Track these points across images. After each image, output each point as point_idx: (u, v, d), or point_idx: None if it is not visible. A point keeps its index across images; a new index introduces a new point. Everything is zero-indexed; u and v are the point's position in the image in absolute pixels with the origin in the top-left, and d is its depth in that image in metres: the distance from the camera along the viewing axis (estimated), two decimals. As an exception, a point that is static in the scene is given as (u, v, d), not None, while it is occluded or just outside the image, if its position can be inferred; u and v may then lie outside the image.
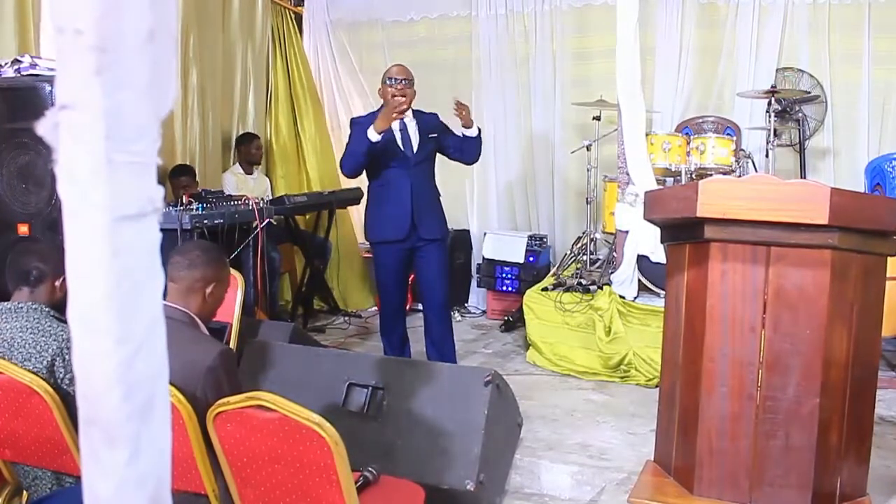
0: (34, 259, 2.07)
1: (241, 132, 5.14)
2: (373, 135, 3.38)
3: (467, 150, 3.63)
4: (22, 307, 1.98)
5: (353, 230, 5.65)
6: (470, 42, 5.60)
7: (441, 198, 3.73)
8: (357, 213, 5.69)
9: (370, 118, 3.53)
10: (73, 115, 0.61)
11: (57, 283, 2.07)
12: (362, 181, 5.36)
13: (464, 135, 3.56)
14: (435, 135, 3.61)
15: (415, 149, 3.55)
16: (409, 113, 3.57)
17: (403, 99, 3.39)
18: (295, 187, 5.42)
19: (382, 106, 3.52)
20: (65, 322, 1.98)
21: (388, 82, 3.52)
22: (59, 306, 2.05)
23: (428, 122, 3.63)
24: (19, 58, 3.04)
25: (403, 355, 3.67)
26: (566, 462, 2.86)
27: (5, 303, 2.02)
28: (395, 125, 3.53)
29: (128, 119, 0.63)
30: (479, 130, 3.58)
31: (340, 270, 5.51)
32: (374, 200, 3.65)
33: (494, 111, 5.52)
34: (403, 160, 3.53)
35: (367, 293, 5.65)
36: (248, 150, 4.97)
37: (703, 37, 5.05)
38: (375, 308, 5.46)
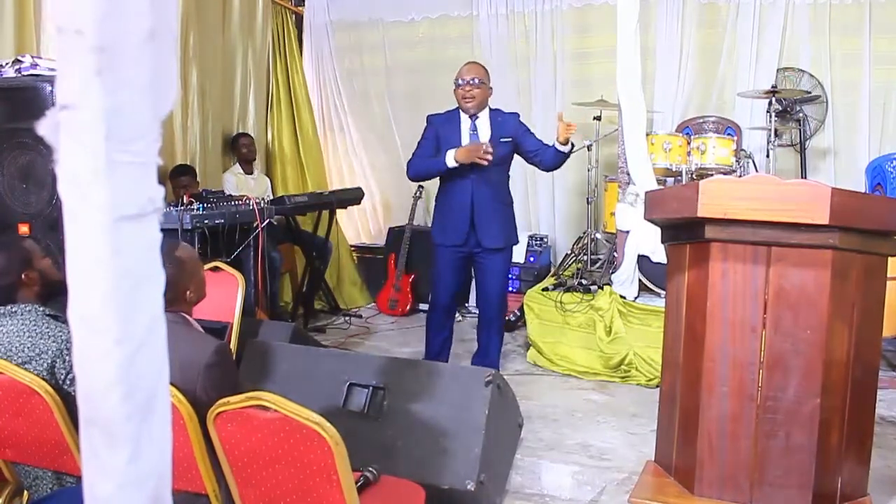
0: None
1: (240, 132, 5.16)
2: (451, 161, 3.34)
3: (550, 161, 3.43)
4: (16, 310, 1.97)
5: (341, 231, 5.69)
6: (470, 42, 5.60)
7: (511, 206, 3.60)
8: (346, 214, 5.73)
9: (446, 116, 3.49)
10: (74, 115, 0.61)
11: (24, 277, 2.00)
12: (362, 181, 5.37)
13: (556, 149, 3.36)
14: (509, 138, 3.44)
15: None
16: (485, 113, 3.46)
17: (489, 157, 3.28)
18: (293, 189, 5.43)
19: (458, 107, 3.47)
20: (62, 321, 1.97)
21: (457, 83, 3.44)
22: (49, 295, 2.04)
23: (503, 124, 3.46)
24: (20, 58, 3.04)
25: (440, 358, 3.62)
26: (567, 462, 2.86)
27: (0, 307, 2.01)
28: (465, 125, 3.45)
29: (128, 119, 0.63)
30: (573, 146, 3.39)
31: (337, 271, 5.54)
32: (438, 201, 3.60)
33: (495, 111, 5.52)
34: (468, 164, 3.37)
35: (358, 293, 5.69)
36: (239, 150, 4.99)
37: (704, 37, 5.05)
38: (375, 308, 5.48)
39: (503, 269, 3.58)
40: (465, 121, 3.47)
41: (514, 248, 5.12)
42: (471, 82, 3.40)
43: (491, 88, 3.51)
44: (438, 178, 3.56)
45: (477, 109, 3.44)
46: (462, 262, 3.55)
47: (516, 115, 3.53)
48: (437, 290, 3.66)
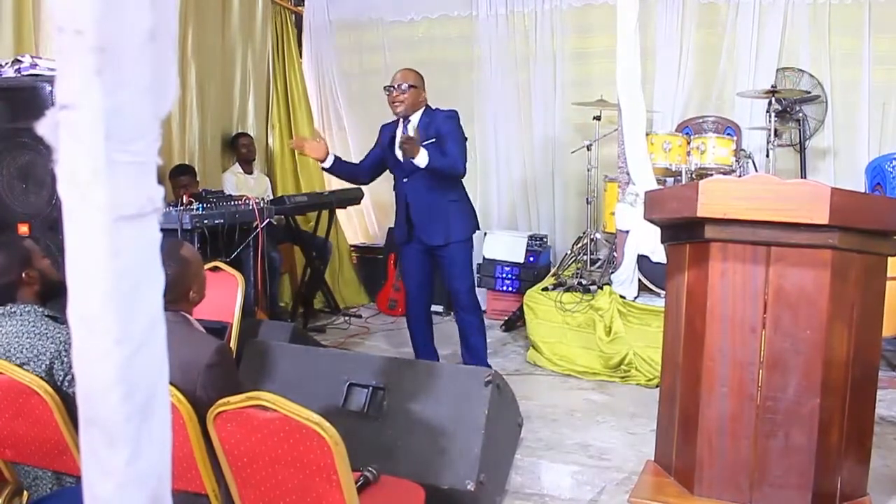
0: None
1: (240, 132, 5.16)
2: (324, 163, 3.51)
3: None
4: (15, 311, 1.97)
5: (341, 231, 5.69)
6: (470, 42, 5.60)
7: (458, 202, 3.50)
8: (346, 215, 5.73)
9: (393, 123, 3.52)
10: (73, 115, 0.61)
11: (24, 276, 2.01)
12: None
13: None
14: (433, 139, 3.35)
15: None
16: (417, 115, 3.43)
17: (305, 149, 3.50)
18: (291, 189, 5.43)
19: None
20: (60, 322, 1.97)
21: (386, 89, 3.46)
22: (49, 295, 2.04)
23: (430, 124, 3.41)
24: (19, 58, 3.04)
25: (427, 354, 3.64)
26: (566, 462, 2.86)
27: None
28: (399, 130, 3.46)
29: (128, 119, 0.63)
30: (428, 162, 3.26)
31: (337, 271, 5.54)
32: None
33: (495, 111, 5.53)
34: (399, 166, 3.47)
35: (356, 293, 5.70)
36: (238, 149, 4.99)
37: (703, 37, 5.05)
38: (374, 308, 5.49)
39: (461, 265, 3.50)
40: (400, 125, 3.49)
41: (513, 248, 5.07)
42: (397, 87, 3.41)
43: (424, 92, 3.49)
44: None
45: (407, 113, 3.43)
46: (421, 256, 3.54)
47: (450, 113, 3.43)
48: (406, 290, 3.74)
